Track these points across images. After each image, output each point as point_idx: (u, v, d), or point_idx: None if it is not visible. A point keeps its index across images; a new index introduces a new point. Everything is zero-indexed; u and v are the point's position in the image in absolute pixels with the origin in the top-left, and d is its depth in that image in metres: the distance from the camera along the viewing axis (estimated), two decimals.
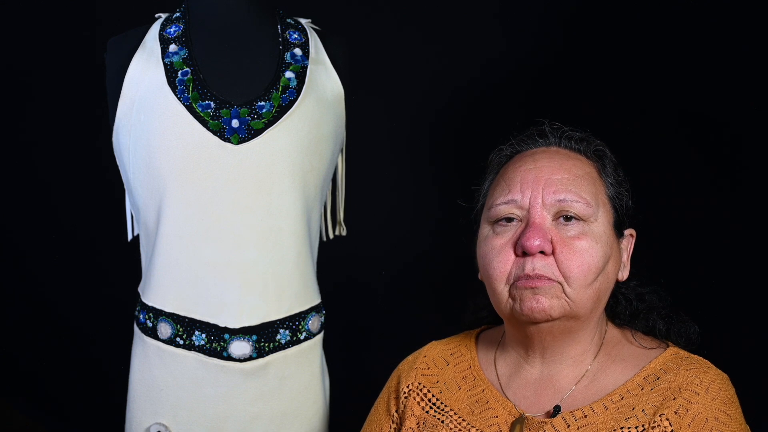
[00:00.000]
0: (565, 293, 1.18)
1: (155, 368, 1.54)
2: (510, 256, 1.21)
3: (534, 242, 1.17)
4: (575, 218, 1.20)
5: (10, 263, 2.60)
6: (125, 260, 1.78)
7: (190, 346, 1.51)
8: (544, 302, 1.17)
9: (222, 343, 1.50)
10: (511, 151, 1.31)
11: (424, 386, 1.34)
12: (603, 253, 1.20)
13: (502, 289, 1.21)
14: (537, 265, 1.17)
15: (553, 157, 1.25)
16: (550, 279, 1.17)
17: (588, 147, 1.27)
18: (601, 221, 1.21)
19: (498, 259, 1.21)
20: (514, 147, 1.31)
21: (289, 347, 1.55)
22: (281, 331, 1.54)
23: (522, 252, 1.19)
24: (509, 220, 1.23)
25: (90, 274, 2.54)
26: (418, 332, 1.49)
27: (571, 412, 1.18)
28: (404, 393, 1.35)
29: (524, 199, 1.22)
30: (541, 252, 1.18)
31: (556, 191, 1.20)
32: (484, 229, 1.27)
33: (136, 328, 1.58)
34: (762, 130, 1.93)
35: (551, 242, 1.18)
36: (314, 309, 1.60)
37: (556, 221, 1.20)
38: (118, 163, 1.60)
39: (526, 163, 1.26)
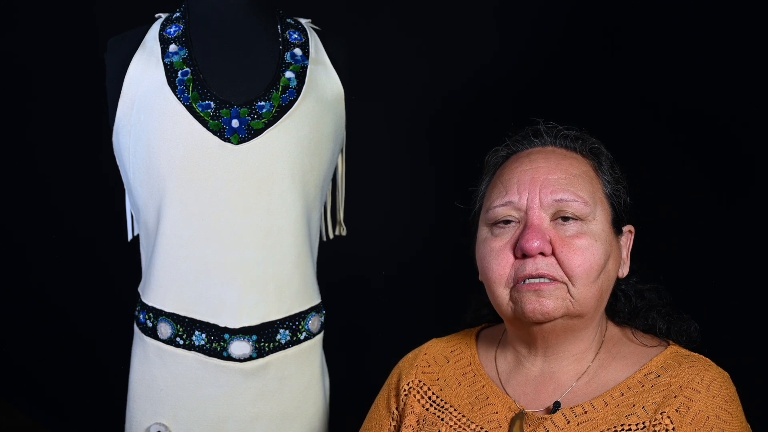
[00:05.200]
0: (569, 293, 1.18)
1: (155, 368, 1.54)
2: (509, 259, 1.21)
3: (533, 244, 1.17)
4: (573, 218, 1.20)
5: (10, 263, 2.60)
6: (125, 260, 1.78)
7: (190, 346, 1.51)
8: (548, 305, 1.17)
9: (222, 343, 1.50)
10: (506, 152, 1.31)
11: (424, 384, 1.35)
12: (603, 250, 1.20)
13: (501, 291, 1.22)
14: (539, 264, 1.17)
15: (549, 157, 1.25)
16: (555, 279, 1.17)
17: (584, 145, 1.28)
18: (599, 219, 1.21)
19: (497, 261, 1.22)
20: (509, 147, 1.31)
21: (289, 347, 1.55)
22: (281, 331, 1.54)
23: (522, 254, 1.19)
24: (507, 221, 1.23)
25: (90, 274, 2.54)
26: (418, 332, 1.49)
27: (571, 408, 1.18)
28: (404, 390, 1.35)
29: (521, 200, 1.22)
30: (541, 253, 1.18)
31: (553, 191, 1.20)
32: (483, 232, 1.27)
33: (136, 328, 1.58)
34: (762, 128, 1.93)
35: (550, 243, 1.18)
36: (314, 309, 1.60)
37: (555, 221, 1.20)
38: (118, 163, 1.60)
39: (523, 163, 1.25)
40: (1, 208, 2.57)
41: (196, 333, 1.51)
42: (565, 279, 1.18)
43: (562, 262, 1.18)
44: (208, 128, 1.48)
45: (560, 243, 1.18)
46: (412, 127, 2.35)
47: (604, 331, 1.27)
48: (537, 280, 1.18)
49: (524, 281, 1.19)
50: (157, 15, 1.60)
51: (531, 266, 1.18)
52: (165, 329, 1.52)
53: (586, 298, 1.19)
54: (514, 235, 1.21)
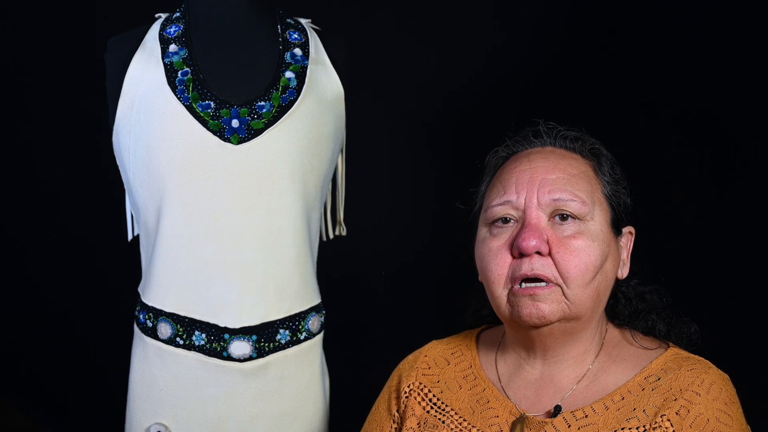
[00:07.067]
0: (564, 295, 1.18)
1: (155, 368, 1.54)
2: (507, 258, 1.21)
3: (530, 243, 1.17)
4: (571, 217, 1.20)
5: (10, 263, 2.60)
6: (125, 260, 1.78)
7: (190, 346, 1.51)
8: (544, 308, 1.17)
9: (222, 343, 1.50)
10: (506, 153, 1.32)
11: (425, 386, 1.34)
12: (600, 251, 1.20)
13: (500, 292, 1.21)
14: (535, 265, 1.17)
15: (549, 157, 1.25)
16: (549, 282, 1.17)
17: (583, 146, 1.28)
18: (598, 219, 1.21)
19: (495, 261, 1.22)
20: (509, 148, 1.32)
21: (289, 347, 1.55)
22: (281, 331, 1.54)
23: (519, 253, 1.19)
24: (505, 221, 1.23)
25: (90, 274, 2.54)
26: (418, 332, 1.49)
27: (571, 412, 1.18)
28: (405, 393, 1.35)
29: (519, 199, 1.22)
30: (538, 252, 1.18)
31: (551, 191, 1.20)
32: (482, 231, 1.27)
33: (136, 328, 1.58)
34: (762, 128, 1.93)
35: (547, 242, 1.18)
36: (314, 309, 1.60)
37: (552, 221, 1.20)
38: (118, 163, 1.60)
39: (522, 163, 1.26)
40: (1, 208, 2.57)
41: (196, 333, 1.51)
42: (560, 281, 1.17)
43: (558, 263, 1.17)
44: (208, 128, 1.48)
45: (557, 243, 1.18)
46: (412, 127, 2.35)
47: (603, 332, 1.27)
48: (532, 284, 1.18)
49: (520, 284, 1.19)
50: (157, 15, 1.60)
51: (527, 266, 1.18)
52: (165, 329, 1.52)
53: (582, 300, 1.19)
54: (512, 235, 1.21)
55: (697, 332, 1.27)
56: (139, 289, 1.59)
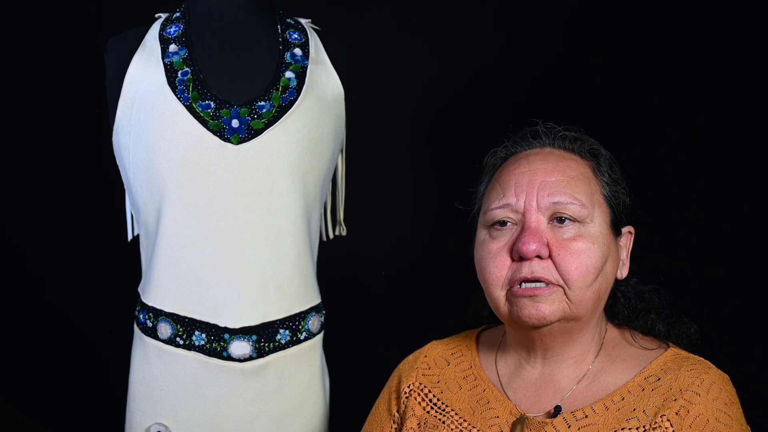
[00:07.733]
0: (566, 296, 1.18)
1: (155, 368, 1.54)
2: (506, 261, 1.21)
3: (530, 247, 1.17)
4: (570, 220, 1.20)
5: (10, 263, 2.60)
6: (125, 260, 1.78)
7: (190, 346, 1.51)
8: (544, 309, 1.17)
9: (222, 343, 1.50)
10: (505, 153, 1.31)
11: (425, 386, 1.34)
12: (600, 253, 1.19)
13: (498, 293, 1.21)
14: (535, 268, 1.17)
15: (547, 159, 1.25)
16: (551, 283, 1.17)
17: (582, 146, 1.27)
18: (597, 221, 1.21)
19: (494, 263, 1.21)
20: (508, 149, 1.31)
21: (289, 347, 1.55)
22: (281, 331, 1.54)
23: (519, 257, 1.19)
24: (504, 223, 1.23)
25: (90, 274, 2.54)
26: (418, 332, 1.49)
27: (571, 412, 1.18)
28: (405, 393, 1.35)
29: (519, 202, 1.21)
30: (538, 256, 1.18)
31: (550, 194, 1.20)
32: (481, 233, 1.27)
33: (136, 328, 1.58)
34: (762, 128, 1.93)
35: (547, 245, 1.18)
36: (314, 309, 1.60)
37: (552, 224, 1.20)
38: (118, 163, 1.60)
39: (521, 165, 1.25)
40: (1, 208, 2.57)
41: (196, 333, 1.51)
42: (561, 282, 1.17)
43: (559, 266, 1.17)
44: (208, 128, 1.48)
45: (557, 246, 1.18)
46: (413, 127, 2.35)
47: (603, 332, 1.27)
48: (532, 285, 1.18)
49: (520, 284, 1.18)
50: (157, 15, 1.60)
51: (527, 269, 1.18)
52: (165, 329, 1.52)
53: (583, 301, 1.19)
54: (512, 238, 1.21)
55: (697, 332, 1.27)
56: (139, 289, 1.59)
